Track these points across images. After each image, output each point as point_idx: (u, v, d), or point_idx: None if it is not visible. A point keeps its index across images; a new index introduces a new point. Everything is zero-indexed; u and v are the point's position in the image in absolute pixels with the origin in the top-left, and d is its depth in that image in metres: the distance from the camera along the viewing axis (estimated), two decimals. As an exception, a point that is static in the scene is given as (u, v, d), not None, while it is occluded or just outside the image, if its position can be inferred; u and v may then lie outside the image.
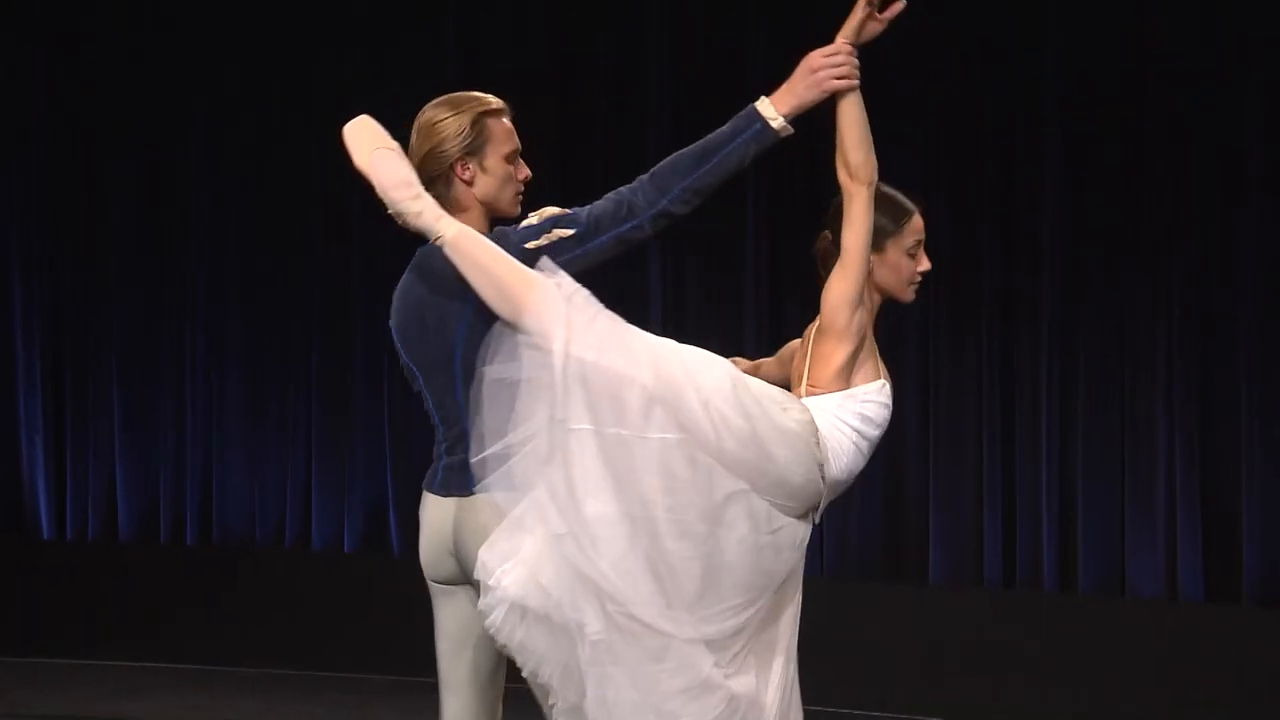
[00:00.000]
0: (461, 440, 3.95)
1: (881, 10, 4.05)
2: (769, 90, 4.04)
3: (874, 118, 4.01)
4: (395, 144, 3.95)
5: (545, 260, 3.87)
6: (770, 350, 4.52)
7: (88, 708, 8.03)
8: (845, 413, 4.04)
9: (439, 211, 3.91)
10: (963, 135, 8.00)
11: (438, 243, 3.89)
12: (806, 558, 4.06)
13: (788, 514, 3.92)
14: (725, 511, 3.83)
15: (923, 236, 4.19)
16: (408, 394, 8.77)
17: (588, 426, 3.73)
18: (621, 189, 4.02)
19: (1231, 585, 7.60)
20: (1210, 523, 7.62)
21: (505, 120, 4.09)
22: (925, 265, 4.18)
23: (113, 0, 9.24)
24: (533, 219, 4.04)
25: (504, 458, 3.76)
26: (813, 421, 3.99)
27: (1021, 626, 7.80)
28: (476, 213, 4.05)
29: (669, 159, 4.02)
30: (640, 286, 8.37)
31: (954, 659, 7.72)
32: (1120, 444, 7.74)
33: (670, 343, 3.93)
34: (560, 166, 8.39)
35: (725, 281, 8.43)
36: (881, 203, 4.06)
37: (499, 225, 4.10)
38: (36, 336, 9.31)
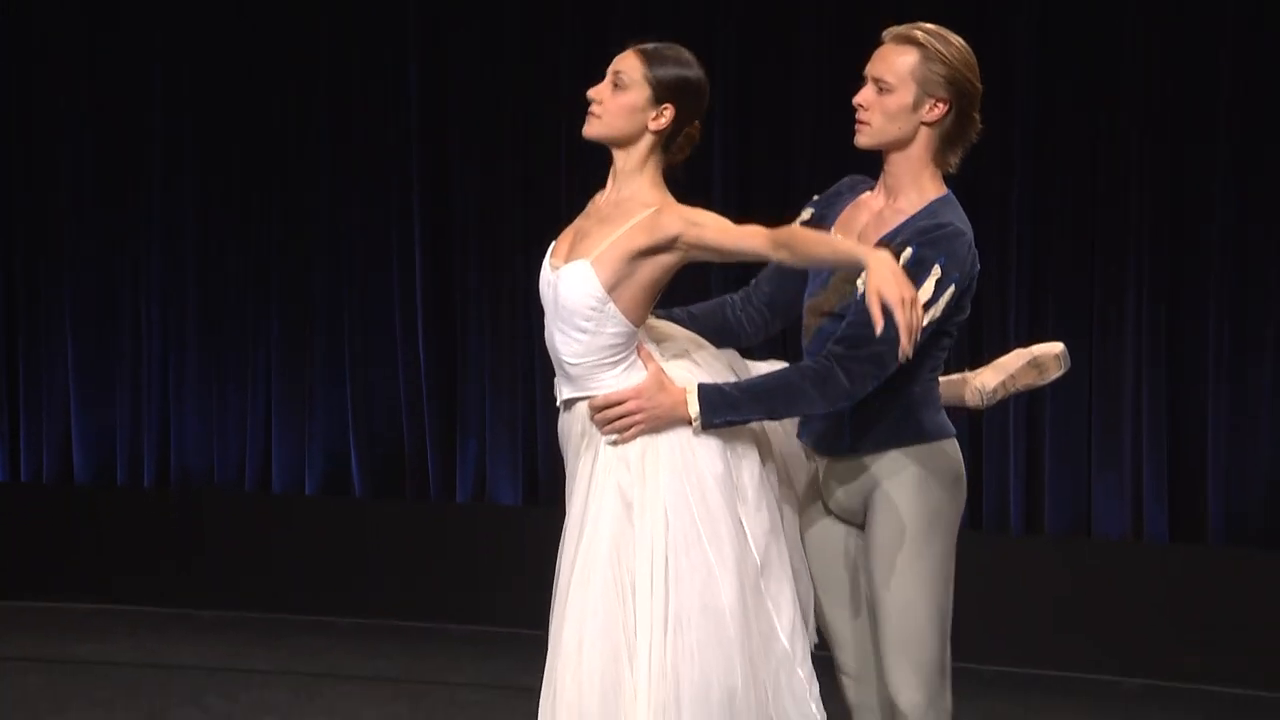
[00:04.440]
0: None
1: None
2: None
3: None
4: None
5: None
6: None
7: (41, 650, 7.94)
8: None
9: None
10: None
11: None
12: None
13: None
14: None
15: None
16: (368, 335, 8.78)
17: None
18: None
19: (1196, 526, 7.63)
20: (1176, 465, 7.65)
21: None
22: None
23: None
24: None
25: None
26: None
27: (989, 567, 7.80)
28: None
29: None
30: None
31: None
32: (1088, 387, 7.73)
33: None
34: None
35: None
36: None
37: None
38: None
